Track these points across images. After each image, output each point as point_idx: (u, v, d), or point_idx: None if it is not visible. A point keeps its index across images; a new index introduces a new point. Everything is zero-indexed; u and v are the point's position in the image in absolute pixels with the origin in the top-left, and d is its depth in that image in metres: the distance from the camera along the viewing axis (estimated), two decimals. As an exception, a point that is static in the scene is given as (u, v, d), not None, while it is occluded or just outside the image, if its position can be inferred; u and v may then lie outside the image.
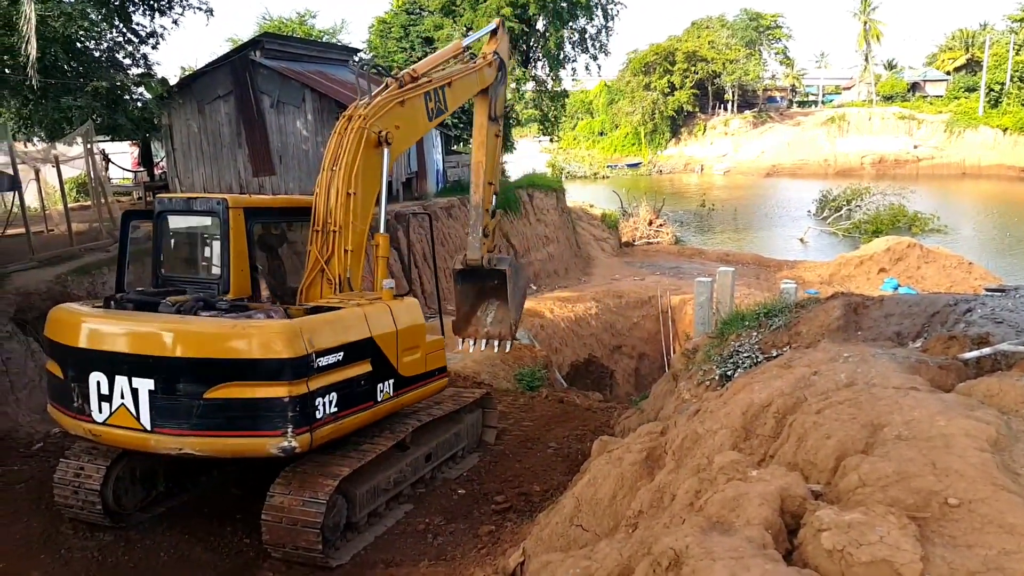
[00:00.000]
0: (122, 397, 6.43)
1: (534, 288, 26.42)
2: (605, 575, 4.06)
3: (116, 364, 6.47)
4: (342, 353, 6.76)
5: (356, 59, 28.27)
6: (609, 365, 21.43)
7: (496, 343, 10.90)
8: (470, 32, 31.17)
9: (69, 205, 15.55)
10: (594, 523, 5.70)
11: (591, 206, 39.51)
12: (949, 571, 2.65)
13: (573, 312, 21.17)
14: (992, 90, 71.39)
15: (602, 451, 6.60)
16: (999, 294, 6.81)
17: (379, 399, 7.35)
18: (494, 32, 10.87)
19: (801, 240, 39.24)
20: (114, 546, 7.12)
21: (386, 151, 8.12)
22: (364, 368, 7.07)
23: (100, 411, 6.56)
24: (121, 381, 6.42)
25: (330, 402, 6.64)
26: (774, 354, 6.99)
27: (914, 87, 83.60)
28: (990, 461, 3.25)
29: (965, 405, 3.87)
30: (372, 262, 8.38)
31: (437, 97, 9.20)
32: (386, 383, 7.43)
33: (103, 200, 16.30)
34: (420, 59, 30.88)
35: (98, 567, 6.81)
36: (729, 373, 7.32)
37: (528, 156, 51.40)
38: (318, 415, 6.51)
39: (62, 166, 15.54)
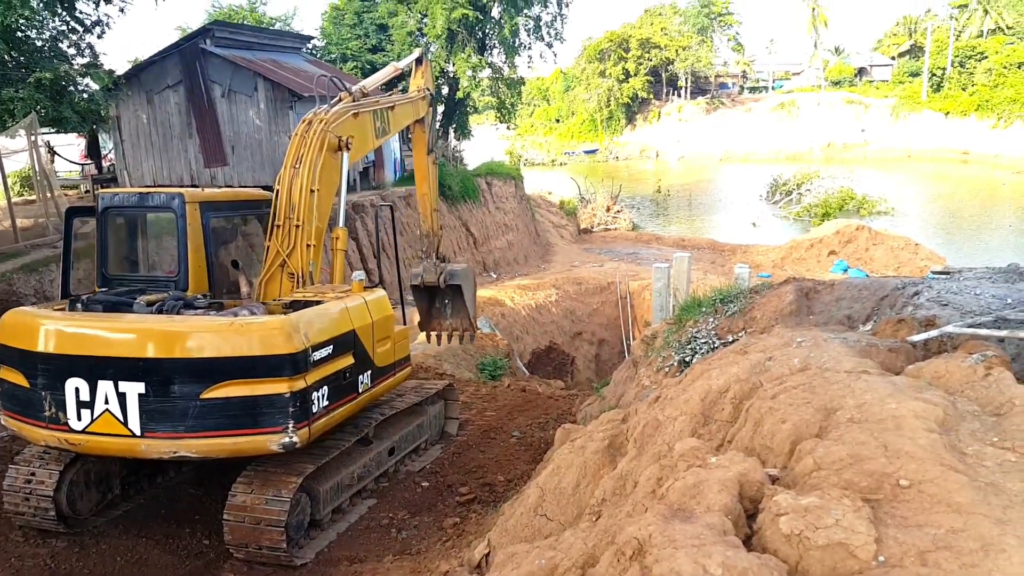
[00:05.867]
0: (106, 403, 6.27)
1: (493, 276, 26.43)
2: (570, 565, 4.10)
3: (99, 369, 6.28)
4: (332, 346, 6.84)
5: (309, 47, 27.79)
6: (570, 352, 21.57)
7: (460, 336, 11.58)
8: (424, 20, 30.90)
9: (13, 200, 15.06)
10: (558, 512, 5.76)
11: (549, 193, 39.61)
12: (901, 551, 2.75)
13: (533, 300, 21.24)
14: (934, 75, 73.34)
15: (565, 440, 6.66)
16: (944, 277, 7.03)
17: (360, 390, 7.49)
18: (419, 61, 11.45)
19: (753, 224, 39.92)
20: (67, 552, 6.94)
21: (345, 156, 8.41)
22: (348, 360, 7.17)
23: (79, 419, 6.36)
24: (105, 386, 6.25)
25: (323, 395, 6.72)
26: (730, 339, 7.11)
27: (861, 72, 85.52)
28: (938, 442, 3.37)
29: (914, 387, 4.00)
30: (331, 255, 8.56)
31: (383, 118, 9.74)
32: (365, 374, 7.54)
33: (49, 194, 15.77)
34: (373, 47, 30.46)
35: (51, 575, 6.63)
36: (687, 359, 7.42)
37: (486, 143, 51.22)
38: (314, 409, 6.57)
39: (4, 160, 15.03)
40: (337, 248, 8.45)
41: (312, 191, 7.92)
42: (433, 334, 11.63)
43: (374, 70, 29.63)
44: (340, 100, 8.87)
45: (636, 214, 42.15)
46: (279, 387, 6.27)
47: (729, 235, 36.07)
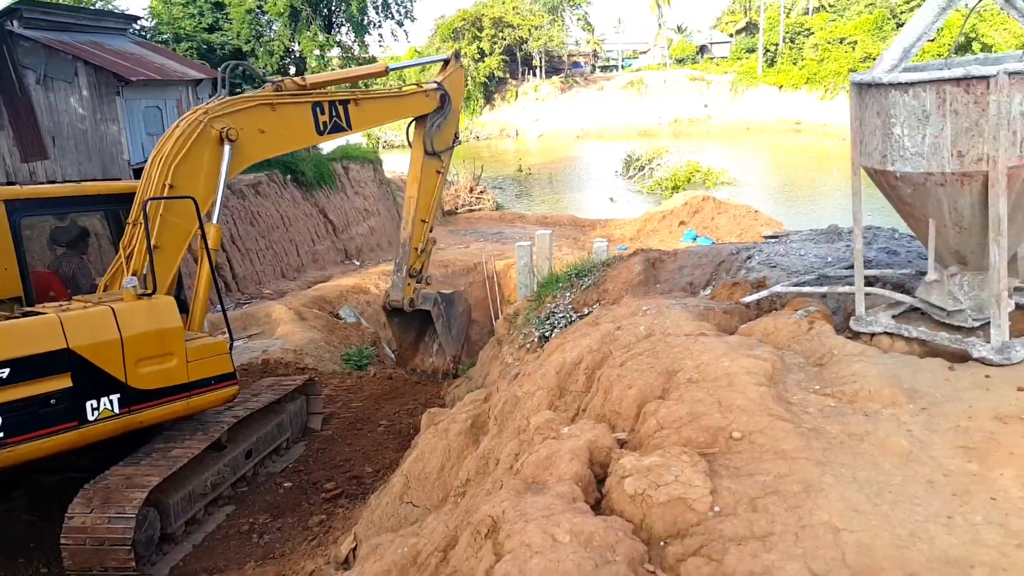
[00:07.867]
0: None
1: (357, 264, 25.85)
2: (433, 549, 4.06)
3: None
4: (8, 369, 5.98)
5: (136, 27, 25.82)
6: (438, 335, 21.46)
7: (440, 376, 11.20)
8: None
9: None
10: (424, 498, 5.71)
11: (410, 176, 39.05)
12: (734, 500, 2.88)
13: (398, 285, 20.92)
14: (768, 51, 78.35)
15: (430, 424, 6.61)
16: (774, 240, 7.51)
17: (92, 418, 6.51)
18: (447, 62, 10.71)
19: (611, 199, 41.29)
20: None
21: (226, 149, 7.83)
22: (57, 384, 6.26)
23: None
24: None
25: None
26: (586, 312, 7.29)
27: (702, 49, 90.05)
28: (767, 394, 3.58)
29: (746, 345, 4.23)
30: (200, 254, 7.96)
31: (334, 112, 8.95)
32: (106, 399, 6.61)
33: None
34: (210, 26, 28.59)
35: None
36: (547, 334, 7.55)
37: (341, 128, 49.86)
38: None
39: None
40: (203, 247, 7.72)
41: (165, 185, 7.37)
42: (411, 371, 11.15)
43: (211, 51, 27.95)
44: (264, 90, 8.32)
45: (500, 194, 42.43)
46: None
47: (589, 211, 37.09)
